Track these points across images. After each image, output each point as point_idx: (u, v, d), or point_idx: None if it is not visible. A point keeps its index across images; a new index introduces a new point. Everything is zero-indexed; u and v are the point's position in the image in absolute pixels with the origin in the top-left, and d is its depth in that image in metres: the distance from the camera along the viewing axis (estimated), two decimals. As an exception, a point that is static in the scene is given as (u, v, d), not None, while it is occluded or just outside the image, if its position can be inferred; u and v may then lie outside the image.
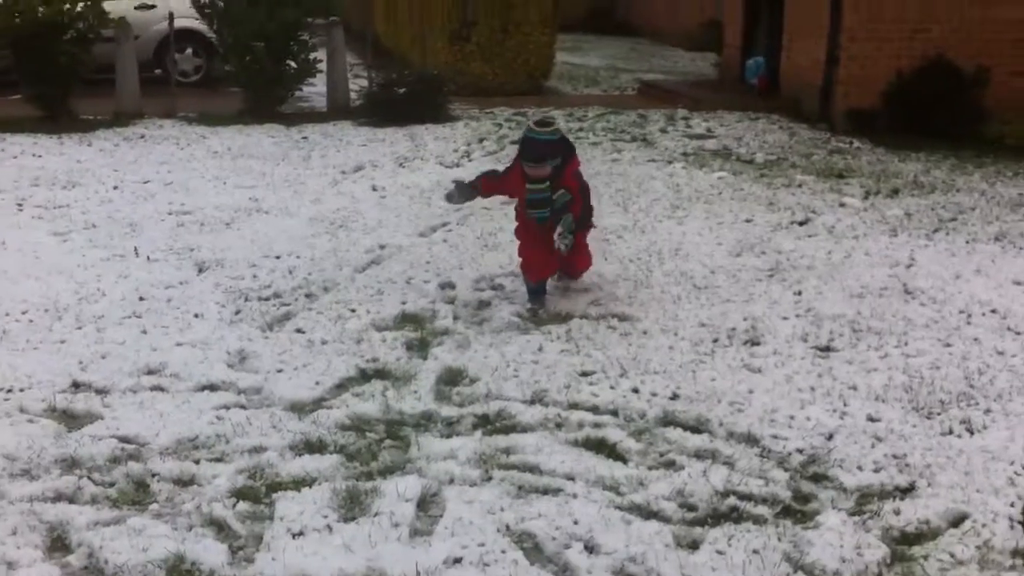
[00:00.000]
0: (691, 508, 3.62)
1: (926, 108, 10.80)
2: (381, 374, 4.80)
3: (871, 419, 4.29)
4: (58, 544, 3.42)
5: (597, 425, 4.24)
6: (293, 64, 12.16)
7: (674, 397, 4.50)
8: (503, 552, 3.31)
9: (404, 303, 5.71)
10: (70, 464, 3.90)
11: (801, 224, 7.51)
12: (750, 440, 4.12)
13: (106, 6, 11.60)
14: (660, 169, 9.36)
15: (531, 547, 3.38)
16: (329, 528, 3.45)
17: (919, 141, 10.52)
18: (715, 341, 5.20)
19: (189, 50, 14.84)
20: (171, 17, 12.51)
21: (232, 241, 6.97)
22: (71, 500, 3.66)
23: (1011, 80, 11.22)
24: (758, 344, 5.16)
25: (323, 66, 12.68)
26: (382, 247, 6.83)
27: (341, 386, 4.66)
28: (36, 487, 3.71)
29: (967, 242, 7.04)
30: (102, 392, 4.57)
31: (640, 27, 25.01)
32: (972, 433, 4.18)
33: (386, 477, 3.81)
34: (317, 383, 4.65)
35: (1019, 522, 3.50)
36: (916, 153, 10.21)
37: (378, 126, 11.47)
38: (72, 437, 4.11)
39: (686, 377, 4.73)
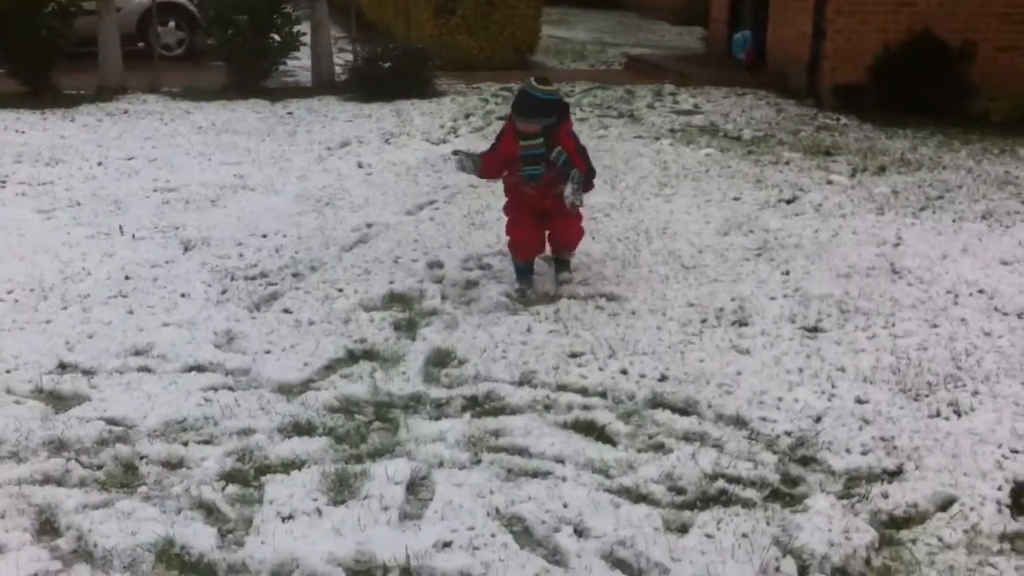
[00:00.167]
0: (680, 491, 3.63)
1: (912, 83, 10.78)
2: (369, 355, 4.79)
3: (859, 401, 4.30)
4: (47, 527, 3.41)
5: (586, 407, 4.24)
6: (276, 37, 12.05)
7: (663, 379, 4.50)
8: (493, 536, 3.31)
9: (392, 283, 5.69)
10: (58, 446, 3.89)
11: (788, 202, 7.51)
12: (738, 422, 4.13)
13: (87, -22, 11.47)
14: (647, 146, 9.34)
15: (521, 530, 3.39)
16: (319, 511, 3.44)
17: (906, 117, 10.53)
18: (703, 321, 5.20)
19: (172, 23, 14.74)
20: (153, -11, 12.41)
21: (218, 219, 6.92)
22: (59, 483, 3.65)
23: (997, 55, 11.21)
24: (746, 325, 5.16)
25: (307, 39, 12.57)
26: (369, 225, 6.79)
27: (329, 367, 4.64)
28: (24, 470, 3.70)
29: (954, 220, 7.05)
30: (89, 373, 4.55)
31: (626, 0, 24.88)
32: (960, 415, 4.19)
33: (375, 460, 3.81)
34: (305, 364, 4.64)
35: (1007, 505, 3.51)
36: (903, 130, 10.21)
37: (364, 101, 11.40)
38: (59, 419, 4.09)
39: (674, 358, 4.73)
